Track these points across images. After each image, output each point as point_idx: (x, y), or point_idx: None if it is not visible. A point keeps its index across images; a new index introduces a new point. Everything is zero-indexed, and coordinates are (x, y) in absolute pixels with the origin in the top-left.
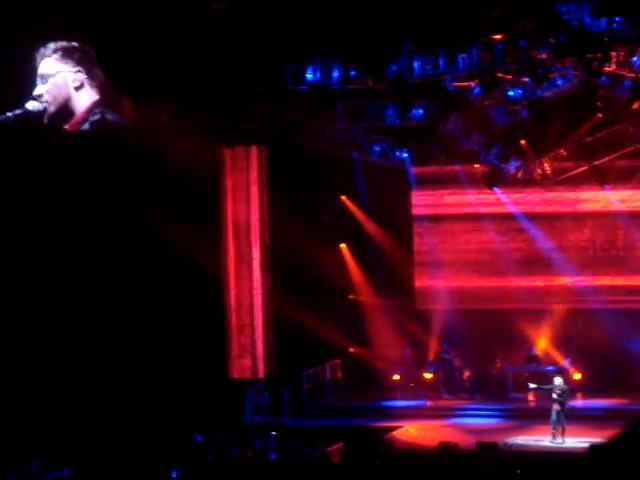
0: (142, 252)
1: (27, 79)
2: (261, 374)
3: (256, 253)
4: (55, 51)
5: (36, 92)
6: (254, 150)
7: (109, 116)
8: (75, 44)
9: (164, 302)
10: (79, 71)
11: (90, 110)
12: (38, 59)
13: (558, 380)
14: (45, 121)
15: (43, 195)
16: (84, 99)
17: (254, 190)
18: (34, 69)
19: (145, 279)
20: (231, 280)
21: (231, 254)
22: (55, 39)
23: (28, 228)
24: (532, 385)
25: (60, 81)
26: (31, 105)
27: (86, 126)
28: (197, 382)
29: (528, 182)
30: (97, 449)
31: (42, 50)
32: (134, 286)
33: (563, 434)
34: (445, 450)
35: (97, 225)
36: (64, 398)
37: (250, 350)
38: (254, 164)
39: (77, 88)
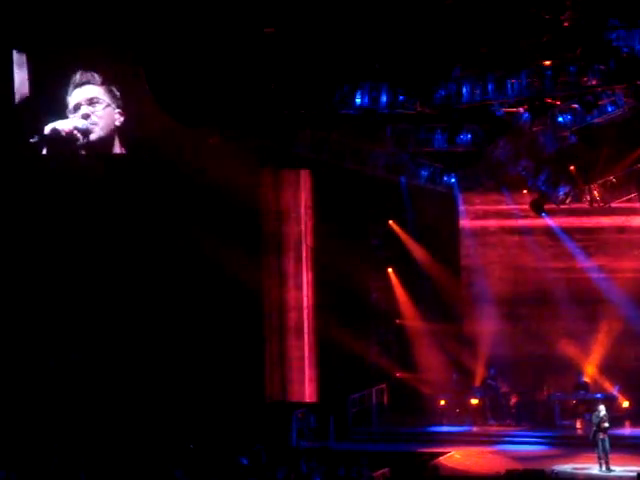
0: (188, 272)
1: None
2: (308, 398)
3: (305, 276)
4: (102, 83)
5: (83, 111)
6: (303, 173)
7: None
8: (116, 91)
9: (214, 324)
10: (121, 113)
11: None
12: (78, 79)
13: (603, 409)
14: (85, 140)
15: (92, 214)
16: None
17: (303, 213)
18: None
19: (193, 300)
20: (282, 303)
21: (280, 277)
22: (97, 68)
23: (79, 242)
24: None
25: (110, 113)
26: (80, 123)
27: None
28: (243, 405)
29: (576, 208)
30: (143, 472)
31: (86, 75)
32: (183, 307)
33: (608, 462)
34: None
35: (145, 246)
36: (110, 421)
37: (297, 374)
38: (303, 187)
39: (118, 127)
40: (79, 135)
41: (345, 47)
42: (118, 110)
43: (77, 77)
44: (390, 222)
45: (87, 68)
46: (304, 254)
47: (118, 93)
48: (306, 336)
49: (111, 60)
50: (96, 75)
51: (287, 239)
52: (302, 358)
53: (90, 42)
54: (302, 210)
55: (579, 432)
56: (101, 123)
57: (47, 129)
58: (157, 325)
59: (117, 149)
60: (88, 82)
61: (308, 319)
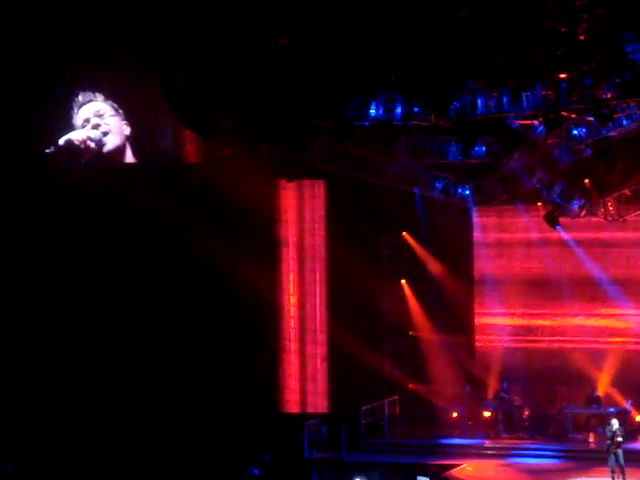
0: (203, 282)
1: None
2: (320, 409)
3: (319, 287)
4: (104, 101)
5: (92, 123)
6: (317, 184)
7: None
8: (119, 107)
9: (227, 334)
10: (127, 124)
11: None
12: (81, 100)
13: (616, 423)
14: (99, 151)
15: (107, 224)
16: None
17: (317, 224)
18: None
19: (207, 310)
20: (294, 314)
21: (294, 288)
22: (97, 88)
23: (95, 251)
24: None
25: (118, 122)
26: (93, 133)
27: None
28: (255, 416)
29: (591, 221)
30: None
31: (87, 95)
32: (197, 318)
33: (624, 476)
34: None
35: (160, 256)
36: (122, 431)
37: (309, 384)
38: (317, 198)
39: (127, 137)
40: (93, 145)
41: (360, 58)
42: (124, 121)
43: (79, 98)
44: (404, 233)
45: (87, 89)
46: (317, 265)
47: (121, 109)
48: (319, 347)
49: (110, 78)
50: (97, 94)
51: (301, 249)
52: (315, 369)
53: (90, 63)
54: (316, 220)
55: (592, 446)
56: (113, 130)
57: (62, 140)
58: (173, 335)
59: (129, 159)
60: (91, 100)
61: (321, 330)
